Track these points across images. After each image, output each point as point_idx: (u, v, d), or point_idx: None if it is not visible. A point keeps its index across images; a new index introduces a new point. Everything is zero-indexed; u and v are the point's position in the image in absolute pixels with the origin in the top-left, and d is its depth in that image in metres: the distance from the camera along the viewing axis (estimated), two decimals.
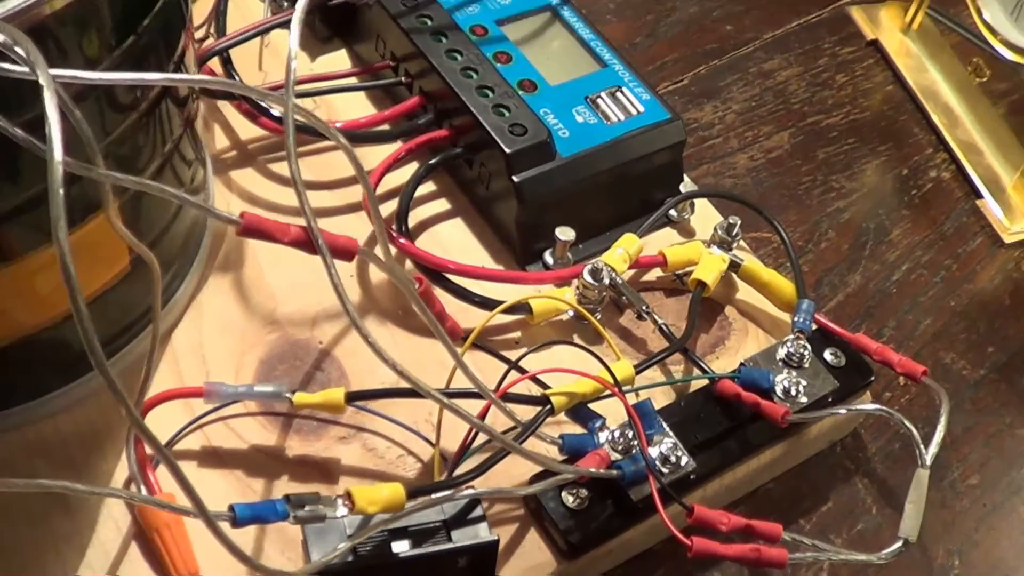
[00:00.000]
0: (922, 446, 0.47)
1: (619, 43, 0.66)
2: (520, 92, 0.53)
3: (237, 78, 0.52)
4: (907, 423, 0.47)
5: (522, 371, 0.46)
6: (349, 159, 0.36)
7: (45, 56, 0.30)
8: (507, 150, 0.51)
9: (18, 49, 0.31)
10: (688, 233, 0.56)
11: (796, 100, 0.66)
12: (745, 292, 0.54)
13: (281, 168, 0.54)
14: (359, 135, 0.53)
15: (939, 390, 0.49)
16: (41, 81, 0.30)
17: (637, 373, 0.48)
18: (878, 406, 0.48)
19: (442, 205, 0.54)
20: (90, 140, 0.32)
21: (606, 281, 0.50)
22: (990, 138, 0.66)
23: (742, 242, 0.54)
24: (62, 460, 0.44)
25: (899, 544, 0.46)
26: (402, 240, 0.50)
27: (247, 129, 0.55)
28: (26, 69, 0.30)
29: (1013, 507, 0.53)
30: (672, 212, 0.56)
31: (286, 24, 0.54)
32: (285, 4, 0.59)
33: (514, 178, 0.51)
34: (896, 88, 0.69)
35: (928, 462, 0.47)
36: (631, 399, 0.46)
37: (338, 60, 0.59)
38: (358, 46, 0.58)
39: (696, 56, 0.67)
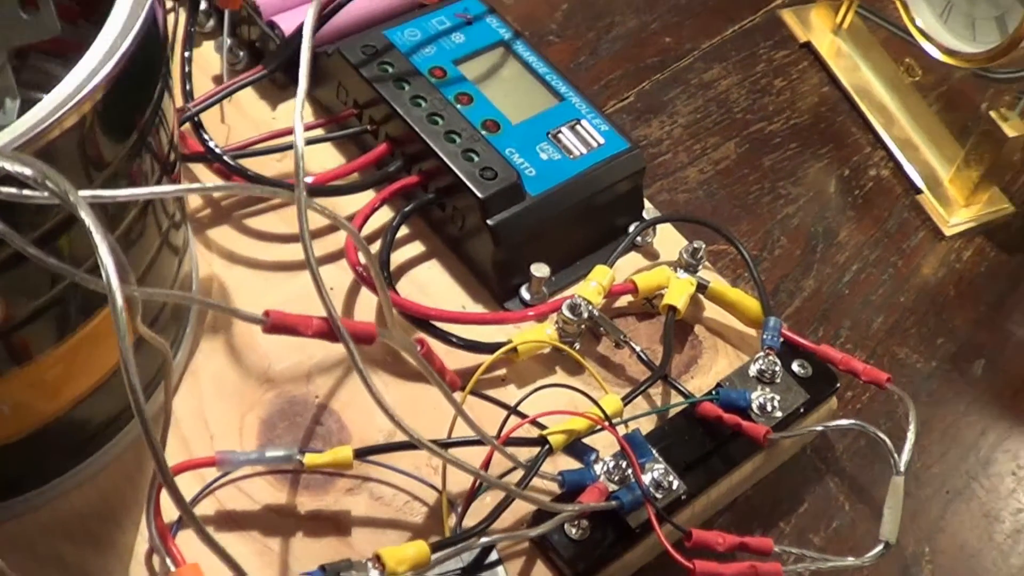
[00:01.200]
0: (895, 455, 0.51)
1: (564, 64, 0.69)
2: (485, 134, 0.56)
3: (211, 142, 0.53)
4: (880, 435, 0.51)
5: (521, 415, 0.49)
6: (356, 243, 0.39)
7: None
8: (480, 195, 0.53)
9: (49, 184, 0.32)
10: (652, 256, 0.59)
11: (738, 108, 0.70)
12: (712, 310, 0.58)
13: (257, 223, 0.56)
14: (332, 188, 0.55)
15: (904, 397, 0.53)
16: (82, 215, 0.32)
17: (624, 404, 0.51)
18: (853, 421, 0.52)
19: (417, 248, 0.57)
20: (124, 264, 0.34)
21: (584, 315, 0.53)
22: (925, 134, 0.70)
23: (706, 261, 0.58)
24: (81, 536, 0.46)
25: (880, 547, 0.50)
26: (392, 292, 0.52)
27: (214, 179, 0.57)
28: (46, 194, 0.32)
29: (973, 492, 0.58)
30: (636, 238, 0.59)
31: (252, 84, 0.56)
32: (241, 54, 0.60)
33: (488, 222, 0.54)
34: (831, 89, 0.72)
35: (902, 469, 0.50)
36: (621, 430, 0.50)
37: None
38: (318, 91, 0.60)
39: (639, 71, 0.71)
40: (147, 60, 0.39)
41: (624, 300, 0.57)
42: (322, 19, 0.57)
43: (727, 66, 0.72)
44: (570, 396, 0.51)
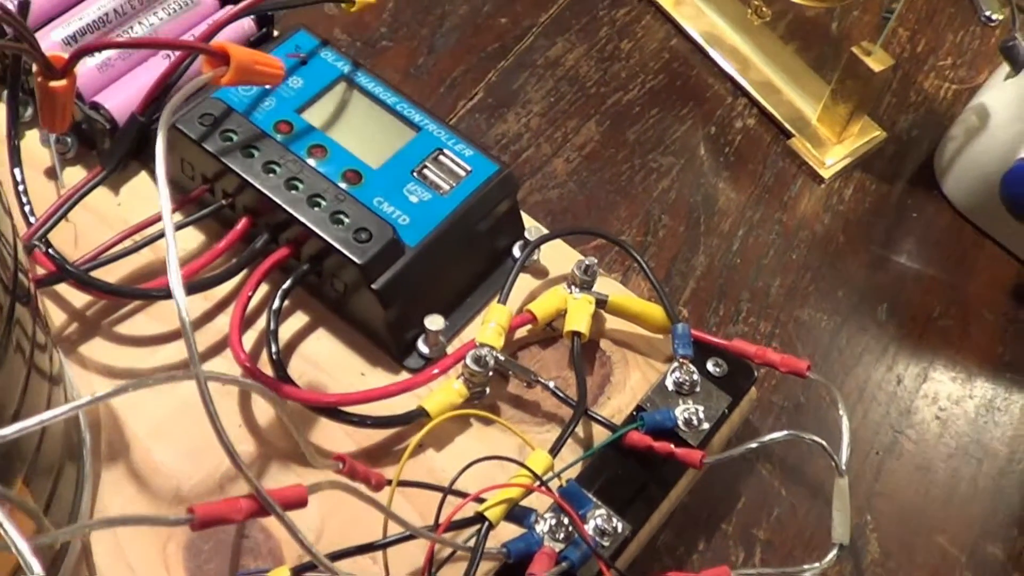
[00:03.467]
0: (835, 456, 0.52)
1: (403, 69, 0.68)
2: (348, 188, 0.54)
3: (67, 264, 0.51)
4: (818, 440, 0.52)
5: (457, 494, 0.49)
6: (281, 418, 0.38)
7: None
8: (359, 262, 0.52)
9: None
10: (541, 273, 0.59)
11: (591, 83, 0.69)
12: (614, 321, 0.58)
13: (130, 327, 0.54)
14: (206, 281, 0.53)
15: (828, 386, 0.54)
16: None
17: (553, 456, 0.51)
18: (787, 432, 0.52)
19: (300, 319, 0.56)
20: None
21: (491, 363, 0.53)
22: (786, 74, 0.70)
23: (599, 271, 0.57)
24: None
25: (835, 550, 0.51)
26: (287, 387, 0.51)
27: (77, 296, 0.54)
28: None
29: (901, 447, 0.60)
30: (518, 254, 0.59)
31: (96, 187, 0.53)
32: (69, 140, 0.58)
33: (373, 286, 0.53)
34: (680, 41, 0.72)
35: (844, 468, 0.52)
36: (555, 484, 0.50)
37: (142, 185, 0.58)
38: (153, 164, 0.58)
39: (482, 62, 0.69)
40: None
41: (524, 328, 0.57)
42: (155, 100, 0.54)
43: (570, 37, 0.71)
44: (495, 451, 0.51)
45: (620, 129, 0.68)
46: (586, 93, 0.69)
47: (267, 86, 0.55)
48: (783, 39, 0.72)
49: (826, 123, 0.68)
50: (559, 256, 0.58)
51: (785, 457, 0.58)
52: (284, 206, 0.53)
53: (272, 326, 0.53)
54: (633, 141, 0.68)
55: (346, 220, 0.53)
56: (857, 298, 0.64)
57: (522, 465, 0.50)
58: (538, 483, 0.50)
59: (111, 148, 0.54)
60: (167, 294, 0.52)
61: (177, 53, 0.58)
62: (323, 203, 0.54)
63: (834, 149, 0.68)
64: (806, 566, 0.52)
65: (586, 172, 0.66)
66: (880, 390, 0.61)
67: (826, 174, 0.68)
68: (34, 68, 0.43)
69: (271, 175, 0.54)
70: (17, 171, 0.52)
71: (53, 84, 0.42)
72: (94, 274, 0.53)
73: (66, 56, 0.42)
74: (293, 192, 0.54)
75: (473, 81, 0.68)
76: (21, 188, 0.52)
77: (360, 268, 0.52)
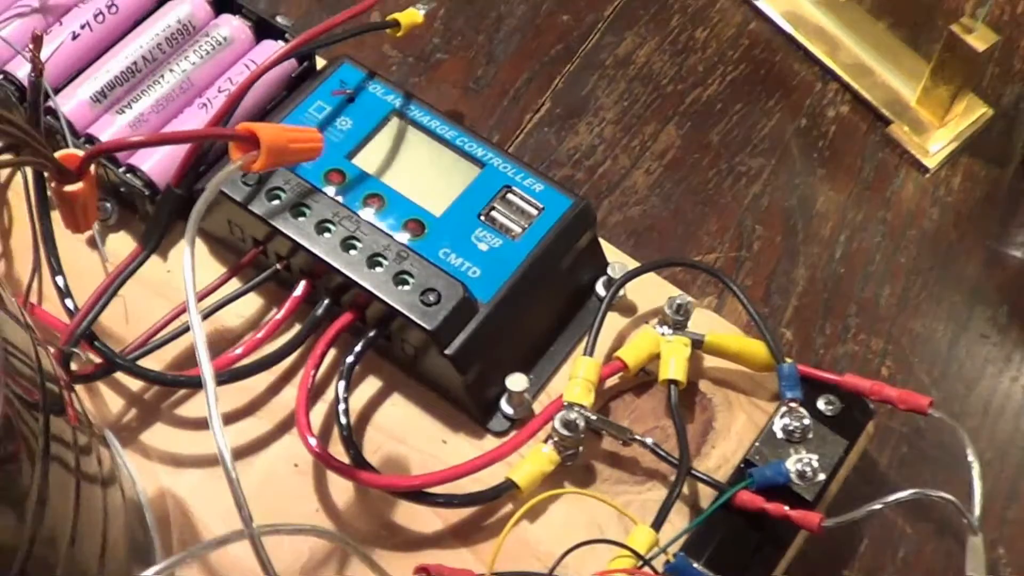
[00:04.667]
0: (968, 514, 0.46)
1: (461, 84, 0.62)
2: (410, 241, 0.50)
3: (116, 358, 0.47)
4: (949, 498, 0.46)
5: None
6: None
7: None
8: (429, 328, 0.47)
9: None
10: (628, 310, 0.54)
11: (666, 80, 0.64)
12: (712, 359, 0.52)
13: (191, 410, 0.50)
14: (270, 359, 0.49)
15: (955, 426, 0.49)
16: None
17: (657, 528, 0.46)
18: (915, 491, 0.47)
19: (372, 385, 0.51)
20: None
21: (581, 426, 0.48)
22: (879, 54, 0.64)
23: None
24: None
25: None
26: (363, 473, 0.47)
27: (132, 380, 0.50)
28: None
29: None
30: (602, 292, 0.54)
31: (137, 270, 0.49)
32: (108, 206, 0.53)
33: (447, 352, 0.48)
34: (760, 24, 0.66)
35: (976, 525, 0.46)
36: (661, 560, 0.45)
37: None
38: (205, 222, 0.53)
39: (546, 68, 0.64)
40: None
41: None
42: (193, 168, 0.50)
43: (639, 31, 0.65)
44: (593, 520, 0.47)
45: (702, 130, 0.62)
46: (662, 92, 0.63)
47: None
48: (873, 15, 0.65)
49: (927, 105, 0.62)
50: (647, 288, 0.53)
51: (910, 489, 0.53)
52: (342, 270, 0.49)
53: (342, 407, 0.48)
54: (718, 143, 0.62)
55: (411, 280, 0.48)
56: (974, 301, 0.58)
57: (624, 547, 0.45)
58: (642, 564, 0.45)
59: (149, 228, 0.49)
60: (227, 378, 0.48)
61: (216, 101, 0.53)
62: (384, 263, 0.49)
63: (937, 133, 0.62)
64: None
65: (669, 183, 0.60)
66: (1008, 403, 0.56)
67: (931, 163, 0.61)
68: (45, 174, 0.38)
69: (325, 235, 0.49)
70: (53, 259, 0.47)
71: (69, 189, 0.38)
72: (146, 359, 0.49)
73: (80, 154, 0.38)
74: (351, 253, 0.49)
75: (538, 90, 0.63)
76: (60, 281, 0.48)
77: (430, 334, 0.47)
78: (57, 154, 0.37)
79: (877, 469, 0.54)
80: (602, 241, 0.54)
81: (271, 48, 0.56)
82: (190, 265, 0.34)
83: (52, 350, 0.48)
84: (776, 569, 0.48)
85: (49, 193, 0.51)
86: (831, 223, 0.60)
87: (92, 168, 0.38)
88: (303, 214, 0.50)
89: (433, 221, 0.51)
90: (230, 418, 0.50)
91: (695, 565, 0.46)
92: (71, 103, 0.53)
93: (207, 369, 0.33)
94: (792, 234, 0.59)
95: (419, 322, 0.48)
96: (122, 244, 0.53)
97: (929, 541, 0.52)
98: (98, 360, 0.48)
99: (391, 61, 0.63)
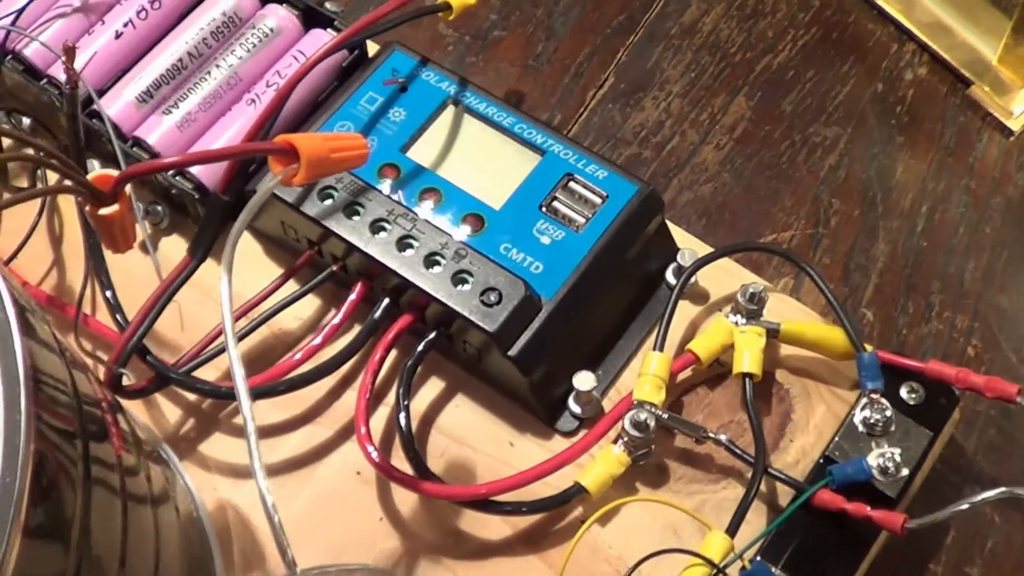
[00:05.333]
0: None
1: (520, 62, 0.60)
2: (470, 237, 0.48)
3: (169, 372, 0.45)
4: None
5: None
6: None
7: None
8: (490, 329, 0.45)
9: None
10: (701, 297, 0.51)
11: (734, 48, 0.61)
12: (790, 347, 0.50)
13: (261, 418, 0.49)
14: (328, 365, 0.47)
15: None
16: None
17: (732, 534, 0.44)
18: (1004, 488, 0.44)
19: (435, 386, 0.50)
20: None
21: (651, 426, 0.46)
22: (957, 11, 0.60)
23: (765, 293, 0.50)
24: None
25: None
26: (426, 484, 0.45)
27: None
28: None
29: None
30: (672, 279, 0.51)
31: (186, 281, 0.47)
32: (160, 209, 0.52)
33: (510, 353, 0.46)
34: None
35: None
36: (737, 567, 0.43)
37: (247, 247, 0.52)
38: (258, 222, 0.52)
39: (608, 41, 0.61)
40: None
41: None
42: (240, 173, 0.48)
43: None
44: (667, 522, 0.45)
45: (774, 100, 0.59)
46: (730, 62, 0.60)
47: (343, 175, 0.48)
48: None
49: (1009, 64, 0.58)
50: (720, 274, 0.51)
51: (999, 477, 0.50)
52: (398, 271, 0.47)
53: (403, 415, 0.46)
54: (790, 113, 0.59)
55: (470, 280, 0.46)
56: None
57: (698, 556, 0.43)
58: (716, 572, 0.43)
59: (197, 237, 0.48)
60: (285, 387, 0.46)
61: (265, 96, 0.51)
62: (442, 262, 0.47)
63: (1021, 94, 0.58)
64: None
65: (740, 159, 0.57)
66: None
67: (1015, 125, 0.58)
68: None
69: (381, 235, 0.47)
70: (103, 274, 0.46)
71: (104, 212, 0.36)
72: (202, 369, 0.47)
73: (115, 175, 0.36)
74: (407, 253, 0.47)
75: (601, 64, 0.60)
76: (109, 295, 0.46)
77: (491, 336, 0.46)
78: (90, 176, 0.36)
79: (964, 456, 0.51)
80: (671, 225, 0.52)
81: (320, 38, 0.54)
82: (227, 295, 0.33)
83: (102, 369, 0.47)
84: (859, 570, 0.46)
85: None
86: (911, 194, 0.57)
87: (127, 188, 0.36)
88: (357, 213, 0.48)
89: (493, 215, 0.48)
90: (290, 426, 0.49)
91: (773, 570, 0.45)
92: (117, 105, 0.51)
93: (246, 408, 0.31)
94: (871, 208, 0.56)
95: (480, 324, 0.46)
96: (175, 247, 0.52)
97: (1020, 531, 0.50)
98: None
99: (447, 41, 0.61)
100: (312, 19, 0.54)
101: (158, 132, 0.51)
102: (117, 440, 0.38)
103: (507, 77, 0.60)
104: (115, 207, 0.36)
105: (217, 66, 0.52)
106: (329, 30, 0.54)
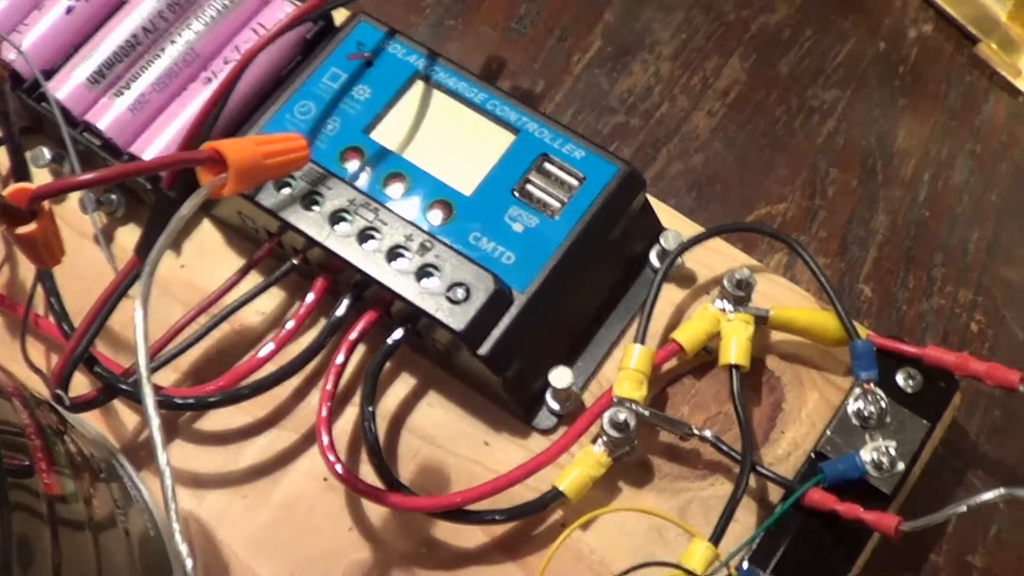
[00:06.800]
0: None
1: (502, 25, 0.56)
2: (436, 229, 0.44)
3: (119, 382, 0.43)
4: None
5: None
6: None
7: None
8: (457, 328, 0.42)
9: None
10: (687, 280, 0.48)
11: (728, 6, 0.57)
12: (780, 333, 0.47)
13: (212, 423, 0.46)
14: (291, 367, 0.44)
15: None
16: None
17: (716, 541, 0.41)
18: (1004, 490, 0.40)
19: (406, 384, 0.47)
20: None
21: (632, 425, 0.43)
22: None
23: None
24: None
25: None
26: (395, 496, 0.42)
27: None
28: None
29: None
30: (655, 262, 0.48)
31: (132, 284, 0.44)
32: (114, 197, 0.49)
33: (480, 352, 0.43)
34: None
35: None
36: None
37: (207, 238, 0.49)
38: (216, 209, 0.49)
39: (595, 1, 0.57)
40: None
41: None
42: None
43: None
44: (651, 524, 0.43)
45: (769, 62, 0.55)
46: (724, 21, 0.56)
47: (294, 172, 0.44)
48: None
49: (1019, 20, 0.54)
50: (708, 254, 0.47)
51: (1000, 460, 0.48)
52: (359, 266, 0.44)
53: (369, 425, 0.43)
54: (787, 75, 0.55)
55: (436, 274, 0.43)
56: None
57: (679, 567, 0.40)
58: None
59: (144, 236, 0.44)
60: (246, 393, 0.43)
61: (222, 74, 0.48)
62: (407, 255, 0.44)
63: None
64: None
65: (733, 126, 0.54)
66: None
67: (1023, 85, 0.54)
68: None
69: (341, 226, 0.44)
70: (47, 279, 0.43)
71: (21, 231, 0.33)
72: (157, 375, 0.44)
73: (32, 189, 0.33)
74: (369, 246, 0.44)
75: (587, 26, 0.56)
76: (55, 302, 0.43)
77: (459, 335, 0.42)
78: (6, 192, 0.33)
79: (967, 438, 0.48)
80: (658, 201, 0.49)
81: (282, 7, 0.50)
82: (142, 331, 0.29)
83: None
84: (853, 570, 0.43)
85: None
86: (914, 161, 0.53)
87: (46, 204, 0.33)
88: (316, 203, 0.45)
89: (462, 201, 0.45)
90: (253, 430, 0.46)
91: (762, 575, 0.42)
92: (66, 87, 0.48)
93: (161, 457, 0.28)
94: (871, 176, 0.52)
95: (446, 322, 0.42)
96: (132, 238, 0.49)
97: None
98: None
99: (425, 3, 0.57)
100: None
101: (109, 116, 0.48)
102: (46, 469, 0.35)
103: (488, 41, 0.56)
104: (33, 226, 0.33)
105: (172, 42, 0.49)
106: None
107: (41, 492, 0.34)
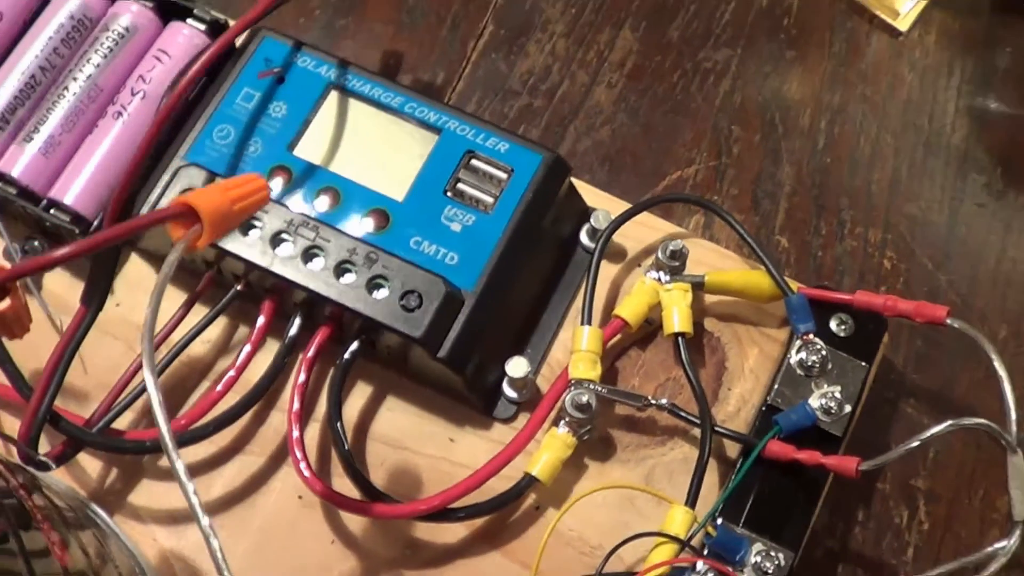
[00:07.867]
0: (1005, 435, 0.42)
1: (394, 20, 0.57)
2: (376, 239, 0.44)
3: (82, 436, 0.42)
4: (986, 423, 0.42)
5: None
6: None
7: None
8: (416, 335, 0.43)
9: None
10: (618, 255, 0.49)
11: None
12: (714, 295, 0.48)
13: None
14: (252, 394, 0.44)
15: (976, 336, 0.45)
16: None
17: (692, 504, 0.43)
18: (951, 422, 0.42)
19: (363, 393, 0.47)
20: None
21: (593, 404, 0.44)
22: None
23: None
24: None
25: (1018, 529, 0.43)
26: (377, 506, 0.43)
27: None
28: None
29: None
30: (586, 242, 0.49)
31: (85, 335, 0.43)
32: (36, 244, 0.48)
33: (439, 355, 0.43)
34: None
35: (1015, 443, 0.43)
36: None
37: (136, 272, 0.48)
38: (145, 241, 0.48)
39: None
40: None
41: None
42: (126, 206, 0.44)
43: None
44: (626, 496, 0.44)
45: (659, 29, 0.56)
46: None
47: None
48: None
49: None
50: (632, 226, 0.49)
51: (930, 388, 0.50)
52: (309, 286, 0.44)
53: (341, 440, 0.44)
54: (678, 40, 0.56)
55: (386, 284, 0.44)
56: (966, 169, 0.54)
57: (663, 535, 0.42)
58: (683, 547, 0.42)
59: (90, 282, 0.43)
60: (214, 427, 0.43)
61: (131, 106, 0.47)
62: (354, 268, 0.44)
63: None
64: (989, 549, 0.43)
65: (634, 95, 0.55)
66: (1014, 272, 0.52)
67: (903, 24, 0.56)
68: None
69: (283, 248, 0.44)
70: None
71: None
72: (120, 421, 0.44)
73: (7, 267, 0.32)
74: (315, 264, 0.44)
75: (478, 11, 0.56)
76: (9, 368, 0.42)
77: (418, 342, 0.43)
78: None
79: (895, 370, 0.51)
80: (578, 183, 0.49)
81: (180, 31, 0.49)
82: (162, 414, 0.29)
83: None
84: (815, 513, 0.45)
85: None
86: (809, 110, 0.55)
87: (16, 284, 0.32)
88: (253, 227, 0.44)
89: (396, 208, 0.45)
90: (220, 459, 0.46)
91: (736, 530, 0.43)
92: None
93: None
94: (771, 130, 0.54)
95: (404, 331, 0.43)
96: (60, 283, 0.48)
97: (959, 437, 0.49)
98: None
99: (313, 4, 0.56)
100: (168, 11, 0.50)
101: (21, 163, 0.47)
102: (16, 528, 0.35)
103: (382, 37, 0.56)
104: (7, 302, 0.32)
105: (74, 79, 0.48)
106: (190, 21, 0.49)
107: (14, 550, 0.34)
